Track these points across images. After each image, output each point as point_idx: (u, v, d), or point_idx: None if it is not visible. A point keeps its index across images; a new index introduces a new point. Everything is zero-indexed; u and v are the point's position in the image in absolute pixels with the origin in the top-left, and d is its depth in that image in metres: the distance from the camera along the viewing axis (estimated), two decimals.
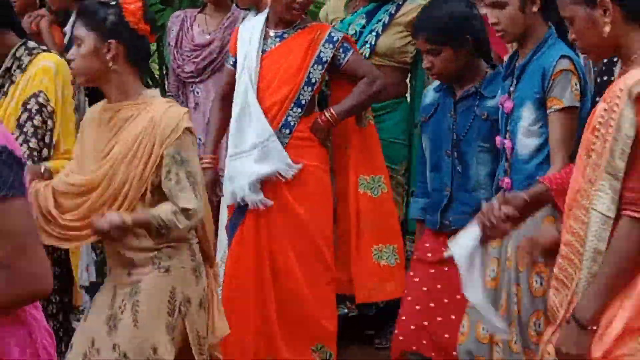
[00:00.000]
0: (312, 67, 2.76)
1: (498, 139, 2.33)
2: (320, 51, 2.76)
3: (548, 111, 2.18)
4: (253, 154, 2.71)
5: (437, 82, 2.64)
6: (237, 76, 2.82)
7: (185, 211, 1.92)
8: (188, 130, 1.99)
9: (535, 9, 2.17)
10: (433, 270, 2.51)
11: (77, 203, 1.99)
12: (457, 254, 1.72)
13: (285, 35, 2.80)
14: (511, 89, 2.27)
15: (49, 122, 2.24)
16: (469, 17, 2.46)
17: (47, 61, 2.27)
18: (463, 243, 1.73)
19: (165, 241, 1.99)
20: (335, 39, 2.78)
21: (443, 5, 2.49)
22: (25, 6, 3.33)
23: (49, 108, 2.24)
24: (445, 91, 2.55)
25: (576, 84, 2.16)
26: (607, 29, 1.40)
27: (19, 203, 1.09)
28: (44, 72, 2.25)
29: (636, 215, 1.32)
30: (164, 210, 1.93)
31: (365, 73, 2.83)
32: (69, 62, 2.11)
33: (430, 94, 2.66)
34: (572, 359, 1.39)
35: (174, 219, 1.91)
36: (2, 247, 1.07)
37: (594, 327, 1.35)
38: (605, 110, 1.38)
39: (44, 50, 2.35)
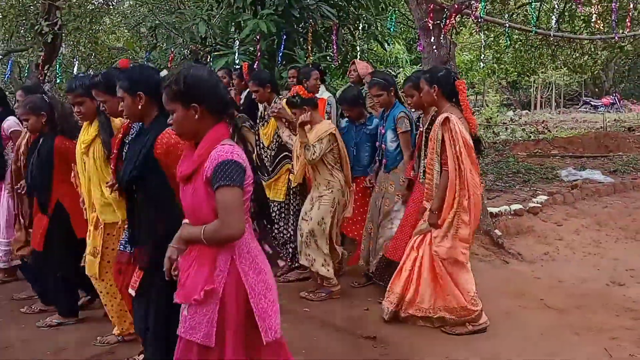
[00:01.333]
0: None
1: (377, 143, 4.99)
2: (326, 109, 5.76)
3: (399, 132, 4.78)
4: None
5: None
6: None
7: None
8: None
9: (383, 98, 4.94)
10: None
11: None
12: None
13: None
14: (383, 123, 4.88)
15: None
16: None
17: None
18: None
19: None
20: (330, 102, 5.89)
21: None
22: None
23: None
24: (350, 122, 5.28)
25: (407, 122, 4.77)
26: (431, 99, 4.19)
27: (236, 189, 2.26)
28: None
29: (446, 169, 3.95)
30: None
31: None
32: None
33: (343, 123, 5.46)
34: (432, 224, 4.05)
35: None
36: (224, 211, 2.25)
37: (436, 212, 4.02)
38: (433, 130, 4.08)
39: None
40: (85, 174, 3.80)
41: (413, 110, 4.92)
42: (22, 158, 4.59)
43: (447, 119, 3.94)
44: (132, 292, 2.97)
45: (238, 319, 2.34)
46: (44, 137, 4.23)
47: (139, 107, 2.90)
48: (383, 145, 4.87)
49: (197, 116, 2.35)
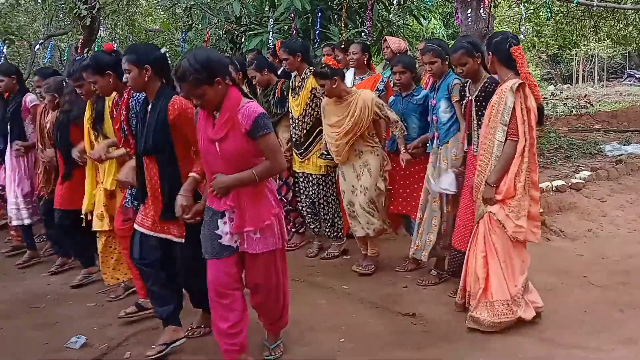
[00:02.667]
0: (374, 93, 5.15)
1: (429, 118, 4.62)
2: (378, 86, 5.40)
3: (454, 101, 4.35)
4: None
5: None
6: None
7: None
8: None
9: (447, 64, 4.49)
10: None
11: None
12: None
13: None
14: (434, 95, 4.51)
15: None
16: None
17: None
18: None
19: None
20: (384, 81, 5.48)
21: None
22: None
23: None
24: (398, 94, 5.02)
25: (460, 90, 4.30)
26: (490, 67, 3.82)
27: (273, 134, 2.96)
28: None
29: (514, 139, 3.61)
30: None
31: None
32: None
33: (391, 98, 5.11)
34: (487, 199, 3.70)
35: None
36: (272, 153, 2.97)
37: (494, 186, 3.66)
38: (497, 97, 3.66)
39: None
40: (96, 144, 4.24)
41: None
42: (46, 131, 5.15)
43: (522, 85, 3.59)
44: (139, 228, 3.46)
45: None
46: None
47: (145, 78, 3.26)
48: (435, 117, 4.48)
49: (221, 87, 2.90)
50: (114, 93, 3.90)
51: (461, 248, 4.04)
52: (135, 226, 3.51)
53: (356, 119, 4.60)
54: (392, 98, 5.09)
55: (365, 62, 5.63)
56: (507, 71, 3.69)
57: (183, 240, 3.38)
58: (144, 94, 3.42)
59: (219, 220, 3.05)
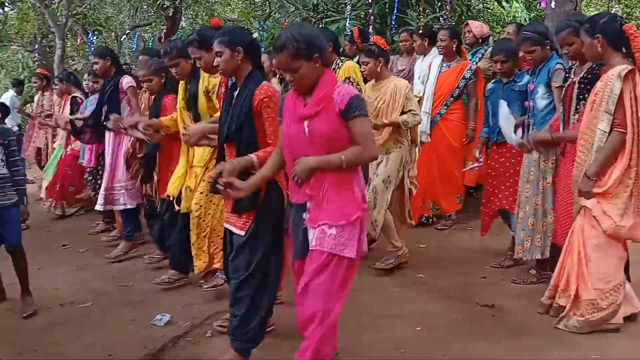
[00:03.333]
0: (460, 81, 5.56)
1: (526, 103, 4.39)
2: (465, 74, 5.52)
3: (553, 87, 4.14)
4: None
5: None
6: None
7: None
8: None
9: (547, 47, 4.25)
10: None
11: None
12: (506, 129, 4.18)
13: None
14: (534, 79, 4.30)
15: None
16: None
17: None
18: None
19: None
20: (472, 68, 5.54)
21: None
22: None
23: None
24: (498, 81, 4.81)
25: (564, 75, 4.05)
26: (595, 52, 3.41)
27: (368, 118, 2.72)
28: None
29: (621, 130, 3.29)
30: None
31: (471, 92, 5.61)
32: None
33: (489, 85, 4.93)
34: (585, 192, 3.42)
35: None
36: (364, 137, 2.63)
37: (594, 179, 3.36)
38: (602, 84, 3.34)
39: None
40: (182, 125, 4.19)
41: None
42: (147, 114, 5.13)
43: (632, 72, 3.25)
44: (232, 228, 3.20)
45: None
46: (158, 95, 4.81)
47: (237, 61, 3.14)
48: (531, 103, 4.26)
49: (317, 66, 2.67)
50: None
51: (561, 243, 3.79)
52: (226, 225, 3.31)
53: (386, 103, 4.55)
54: (490, 85, 4.88)
55: (454, 48, 5.53)
56: (615, 54, 3.34)
57: (243, 233, 3.13)
58: (232, 82, 3.34)
59: (304, 214, 2.76)
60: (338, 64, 4.89)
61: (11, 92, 10.09)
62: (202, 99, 4.05)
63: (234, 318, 3.18)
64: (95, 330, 3.85)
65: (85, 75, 6.79)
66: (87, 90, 6.87)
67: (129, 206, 5.42)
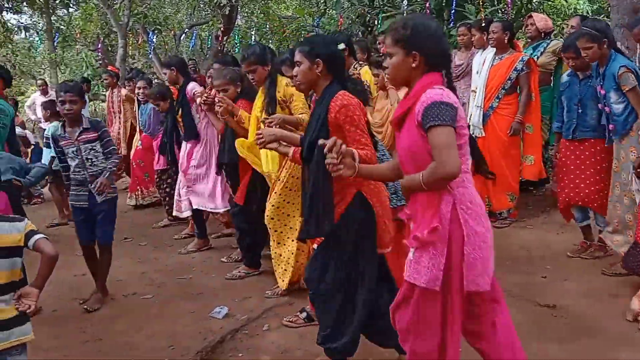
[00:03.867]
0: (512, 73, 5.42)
1: (600, 105, 4.26)
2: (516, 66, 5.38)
3: (625, 91, 3.99)
4: None
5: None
6: None
7: None
8: None
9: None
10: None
11: None
12: None
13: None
14: (601, 82, 4.16)
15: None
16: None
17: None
18: None
19: None
20: (524, 59, 5.40)
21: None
22: None
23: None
24: (573, 75, 4.59)
25: (632, 76, 3.97)
26: None
27: (448, 128, 2.16)
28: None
29: None
30: None
31: (523, 84, 5.42)
32: None
33: (565, 77, 4.76)
34: None
35: None
36: (438, 151, 2.15)
37: None
38: None
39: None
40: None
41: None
42: None
43: None
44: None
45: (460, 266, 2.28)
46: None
47: (316, 73, 2.89)
48: (607, 109, 4.13)
49: (414, 64, 2.30)
50: None
51: None
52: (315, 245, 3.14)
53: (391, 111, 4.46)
54: (566, 79, 4.69)
55: (506, 40, 5.40)
56: None
57: (315, 246, 3.00)
58: None
59: None
60: (356, 68, 4.89)
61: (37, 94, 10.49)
62: (278, 106, 4.03)
63: (323, 331, 2.98)
64: (156, 321, 3.96)
65: (140, 83, 6.91)
66: (140, 99, 7.04)
67: (201, 207, 5.48)
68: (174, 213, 5.73)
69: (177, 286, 4.62)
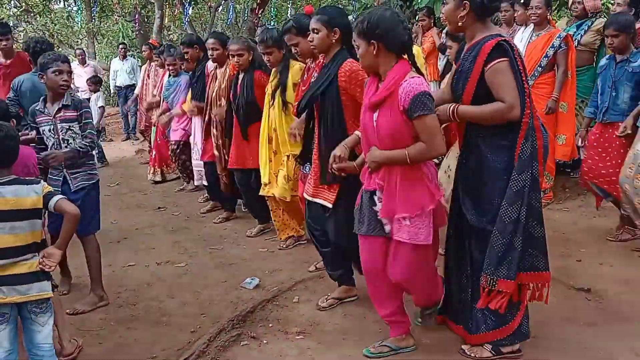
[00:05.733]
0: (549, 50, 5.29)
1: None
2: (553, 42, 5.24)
3: None
4: None
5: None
6: None
7: None
8: None
9: None
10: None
11: None
12: None
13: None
14: None
15: None
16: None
17: None
18: None
19: None
20: (561, 36, 5.24)
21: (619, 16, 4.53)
22: None
23: None
24: (612, 58, 4.54)
25: None
26: None
27: (433, 116, 2.64)
28: None
29: None
30: None
31: (560, 61, 5.30)
32: None
33: (603, 60, 4.67)
34: None
35: None
36: (428, 135, 2.62)
37: None
38: None
39: None
40: (272, 112, 4.39)
41: None
42: (217, 90, 5.24)
43: None
44: (307, 197, 3.53)
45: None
46: (246, 72, 4.84)
47: (332, 41, 3.27)
48: None
49: (374, 52, 2.68)
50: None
51: None
52: (304, 194, 3.60)
53: None
54: (603, 61, 4.64)
55: (548, 16, 5.29)
56: None
57: (331, 205, 3.37)
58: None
59: (375, 198, 2.85)
60: None
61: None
62: (290, 91, 4.27)
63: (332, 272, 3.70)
64: (189, 289, 4.03)
65: (168, 59, 6.92)
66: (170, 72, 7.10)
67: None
68: (196, 182, 6.07)
69: (209, 256, 4.68)
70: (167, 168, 7.48)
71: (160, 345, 3.27)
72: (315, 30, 3.28)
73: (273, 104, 4.37)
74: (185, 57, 5.90)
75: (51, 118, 3.61)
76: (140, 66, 10.55)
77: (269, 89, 4.49)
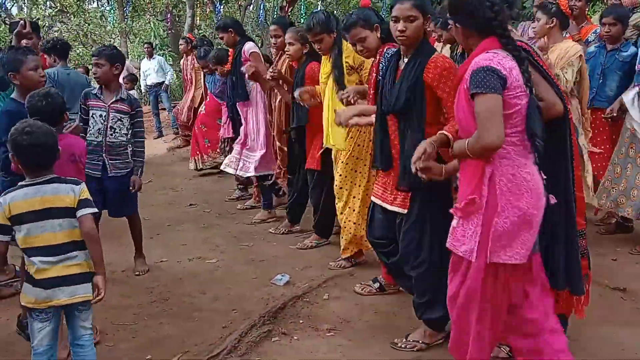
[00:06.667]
0: None
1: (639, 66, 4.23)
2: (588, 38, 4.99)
3: None
4: None
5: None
6: None
7: None
8: None
9: None
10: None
11: None
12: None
13: None
14: None
15: None
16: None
17: None
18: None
19: None
20: (597, 32, 4.93)
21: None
22: None
23: None
24: (601, 47, 4.69)
25: None
26: None
27: (493, 96, 2.13)
28: None
29: None
30: None
31: None
32: None
33: (592, 48, 4.77)
34: None
35: None
36: (479, 121, 2.14)
37: None
38: None
39: None
40: (325, 101, 4.14)
41: None
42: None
43: None
44: (386, 205, 3.13)
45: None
46: (302, 63, 4.67)
47: (425, 28, 2.94)
48: None
49: (462, 31, 2.37)
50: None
51: None
52: (372, 197, 3.27)
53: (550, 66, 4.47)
54: (592, 49, 4.76)
55: (587, 11, 5.29)
56: None
57: (405, 212, 2.99)
58: (392, 53, 3.17)
59: None
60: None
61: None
62: (346, 73, 3.96)
63: (417, 300, 3.07)
64: (220, 285, 4.07)
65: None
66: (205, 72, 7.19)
67: (257, 173, 5.51)
68: (238, 172, 5.63)
69: (240, 252, 4.72)
70: (203, 157, 7.52)
71: (192, 340, 3.30)
72: (412, 18, 2.85)
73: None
74: (222, 41, 5.73)
75: (106, 105, 3.98)
76: (171, 64, 10.70)
77: (323, 75, 4.21)
